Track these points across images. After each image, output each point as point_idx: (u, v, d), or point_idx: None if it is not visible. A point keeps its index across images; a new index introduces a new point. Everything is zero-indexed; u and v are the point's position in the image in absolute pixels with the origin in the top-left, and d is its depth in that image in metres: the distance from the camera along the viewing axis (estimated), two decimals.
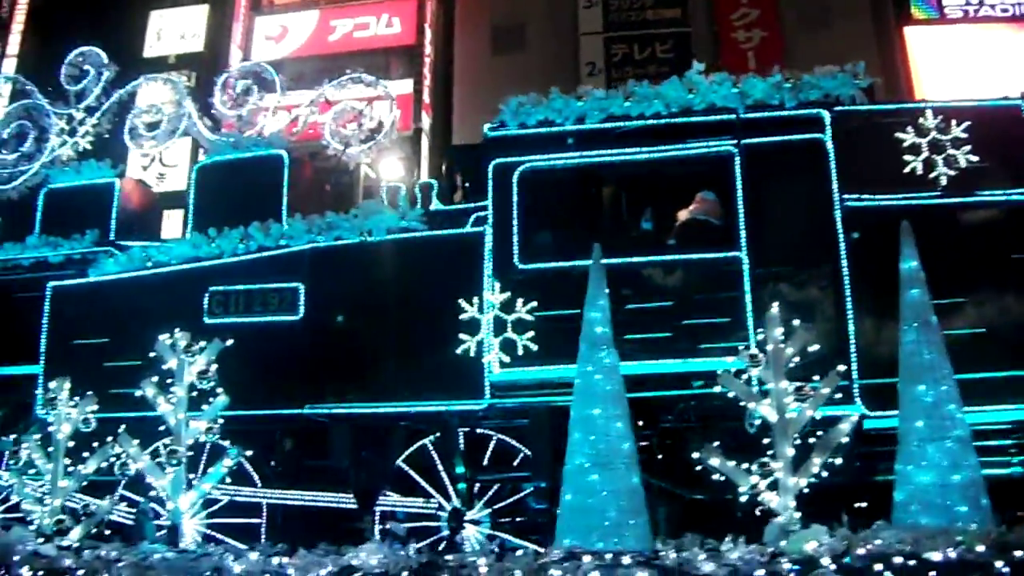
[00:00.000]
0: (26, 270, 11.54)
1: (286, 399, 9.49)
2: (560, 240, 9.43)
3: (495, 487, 9.64)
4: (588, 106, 9.60)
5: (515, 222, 9.34)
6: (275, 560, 6.64)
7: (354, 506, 9.75)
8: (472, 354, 9.12)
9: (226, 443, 8.84)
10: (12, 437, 10.69)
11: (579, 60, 23.15)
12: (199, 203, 11.21)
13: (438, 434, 9.68)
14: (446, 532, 9.58)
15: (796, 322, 7.61)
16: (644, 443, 9.02)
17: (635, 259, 9.12)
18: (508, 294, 9.17)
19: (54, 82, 28.23)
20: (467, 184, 10.98)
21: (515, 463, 9.65)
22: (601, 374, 7.23)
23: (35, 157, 12.97)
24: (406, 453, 9.72)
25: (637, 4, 23.18)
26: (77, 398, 8.72)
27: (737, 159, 9.19)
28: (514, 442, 9.69)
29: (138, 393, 8.46)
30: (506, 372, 9.07)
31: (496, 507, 9.59)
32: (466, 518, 9.48)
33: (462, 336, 9.16)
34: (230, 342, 8.77)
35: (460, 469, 9.51)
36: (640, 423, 9.03)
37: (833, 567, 5.93)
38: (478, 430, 9.65)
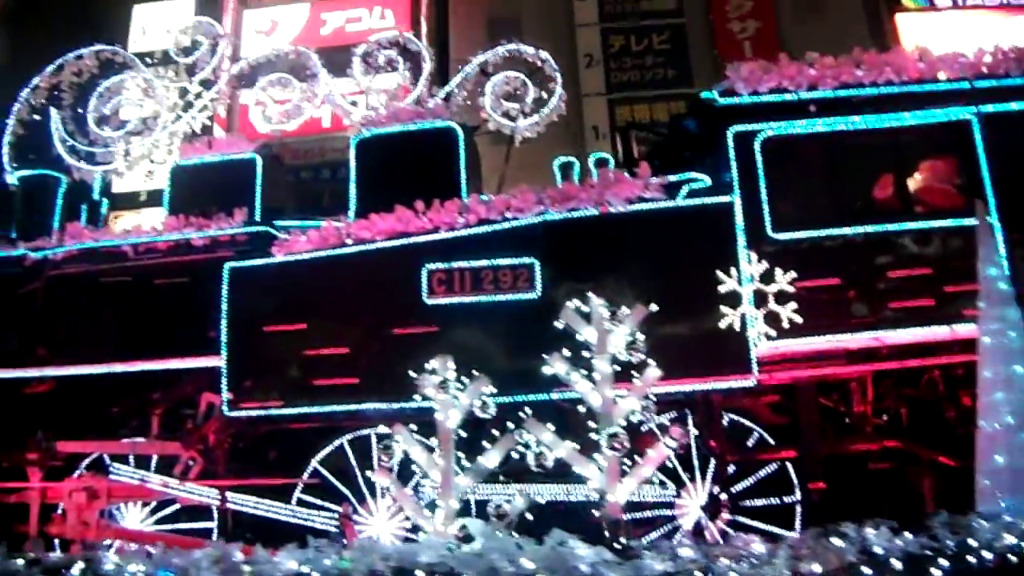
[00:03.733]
0: (163, 253, 9.53)
1: (527, 385, 7.92)
2: (808, 208, 8.24)
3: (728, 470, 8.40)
4: (820, 73, 8.43)
5: (763, 191, 8.09)
6: None
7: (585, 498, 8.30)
8: (736, 328, 7.85)
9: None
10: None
11: (576, 52, 21.87)
12: (361, 178, 9.41)
13: (672, 415, 8.38)
14: (678, 520, 8.31)
15: None
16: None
17: (887, 227, 8.07)
18: (765, 265, 7.94)
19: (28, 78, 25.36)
20: (655, 159, 9.61)
21: (749, 443, 8.49)
22: (1014, 330, 6.16)
23: (144, 133, 10.90)
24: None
25: None
26: (466, 380, 6.81)
27: (977, 126, 8.23)
28: (746, 421, 8.52)
29: (547, 370, 6.81)
30: (773, 345, 7.84)
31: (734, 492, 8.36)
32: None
33: (723, 310, 7.86)
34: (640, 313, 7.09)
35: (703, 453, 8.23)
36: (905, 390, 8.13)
37: None
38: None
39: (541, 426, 6.67)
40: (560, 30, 22.19)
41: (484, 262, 8.11)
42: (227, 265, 8.64)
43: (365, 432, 8.50)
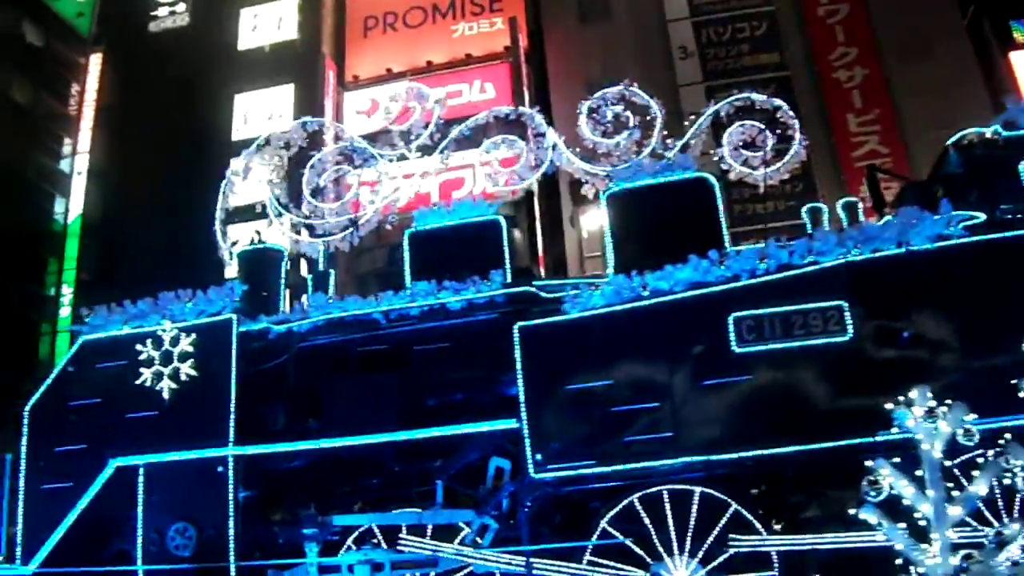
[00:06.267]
0: (418, 319, 9.30)
1: (839, 429, 7.65)
2: None
3: None
4: None
5: None
6: None
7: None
8: None
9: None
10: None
11: (681, 110, 21.93)
12: (616, 231, 9.23)
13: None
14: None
15: None
16: None
17: None
18: None
19: (131, 172, 25.38)
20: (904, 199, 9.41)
21: None
22: None
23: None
24: None
25: (733, 52, 22.14)
26: (943, 409, 6.49)
27: None
28: None
29: None
30: None
31: None
32: None
33: None
34: None
35: None
36: None
37: None
38: None
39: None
40: (664, 89, 22.16)
41: (793, 307, 7.85)
42: (517, 325, 8.38)
43: (655, 490, 8.17)
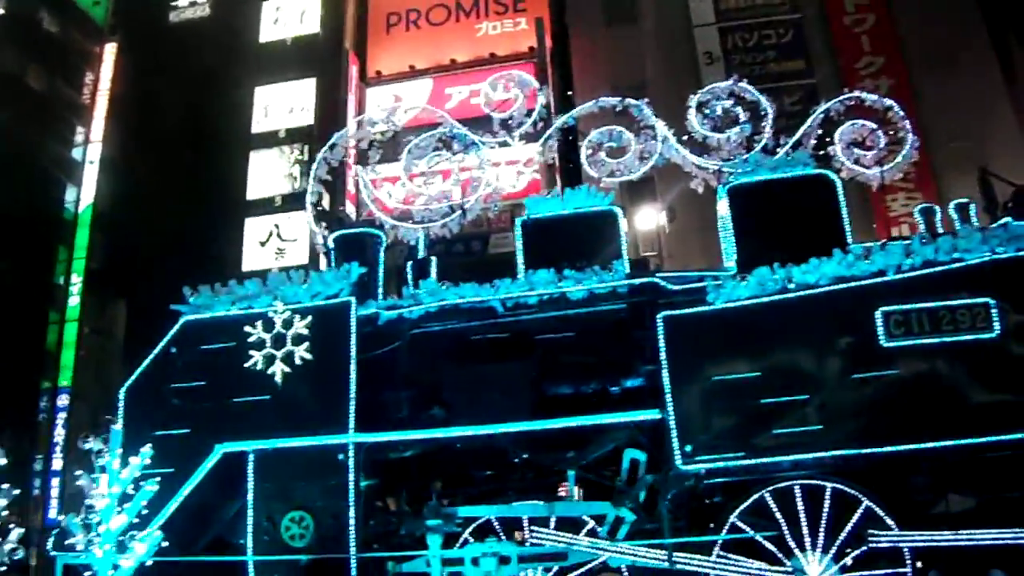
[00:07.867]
0: (534, 308, 8.97)
1: (985, 425, 7.56)
2: None
3: None
4: None
5: None
6: None
7: None
8: None
9: None
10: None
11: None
12: (739, 225, 9.08)
13: None
14: None
15: None
16: None
17: None
18: None
19: (144, 163, 24.75)
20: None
21: None
22: None
23: (468, 191, 10.54)
24: None
25: (759, 58, 22.10)
26: None
27: None
28: None
29: None
30: None
31: None
32: None
33: None
34: None
35: None
36: None
37: None
38: None
39: None
40: (687, 91, 22.06)
41: (941, 303, 7.74)
42: (661, 315, 8.16)
43: (785, 484, 8.01)
